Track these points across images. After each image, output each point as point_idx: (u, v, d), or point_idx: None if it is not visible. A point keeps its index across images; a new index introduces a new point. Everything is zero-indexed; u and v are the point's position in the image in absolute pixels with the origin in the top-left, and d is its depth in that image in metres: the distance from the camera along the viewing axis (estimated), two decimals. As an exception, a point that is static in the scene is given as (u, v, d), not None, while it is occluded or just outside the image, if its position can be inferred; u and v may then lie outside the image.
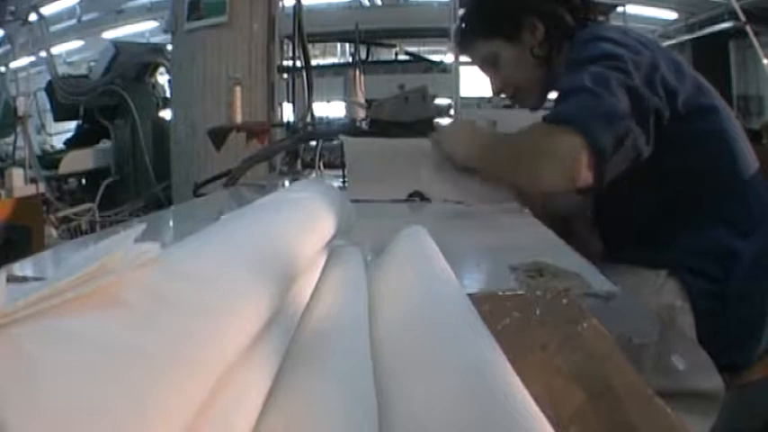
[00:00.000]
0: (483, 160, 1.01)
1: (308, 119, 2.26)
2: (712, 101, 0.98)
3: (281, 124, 2.54)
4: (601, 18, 1.13)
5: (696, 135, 0.95)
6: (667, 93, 0.92)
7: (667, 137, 0.92)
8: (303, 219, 0.41)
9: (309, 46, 2.54)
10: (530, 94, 1.15)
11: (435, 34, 7.27)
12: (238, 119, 2.24)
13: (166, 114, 4.07)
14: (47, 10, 5.23)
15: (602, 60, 0.91)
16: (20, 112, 4.13)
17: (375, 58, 7.66)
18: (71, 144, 4.55)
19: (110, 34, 8.00)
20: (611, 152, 0.86)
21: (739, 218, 0.94)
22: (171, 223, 0.99)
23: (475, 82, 4.53)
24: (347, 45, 8.20)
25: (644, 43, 0.96)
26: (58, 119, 4.74)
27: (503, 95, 1.20)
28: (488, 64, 1.14)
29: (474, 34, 1.15)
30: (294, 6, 2.78)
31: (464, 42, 1.18)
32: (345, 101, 2.24)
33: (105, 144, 4.29)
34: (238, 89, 2.26)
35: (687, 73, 0.98)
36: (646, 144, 0.89)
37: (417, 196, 1.10)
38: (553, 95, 1.15)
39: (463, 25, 1.19)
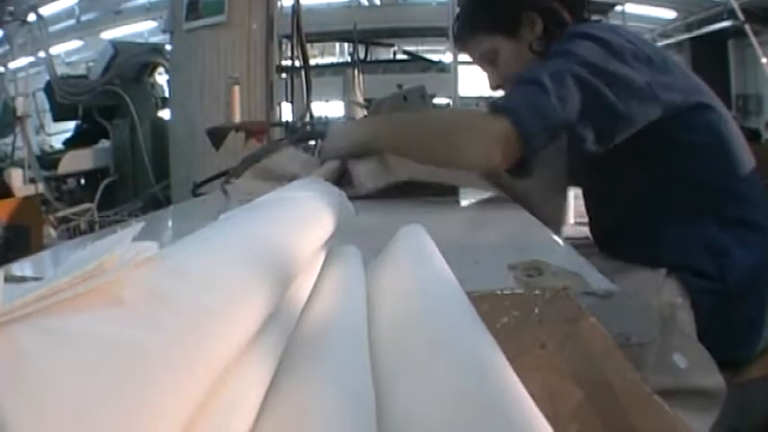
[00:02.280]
0: (393, 138, 1.00)
1: (307, 118, 2.27)
2: (706, 100, 0.98)
3: (280, 124, 2.54)
4: (596, 17, 1.13)
5: (689, 134, 0.95)
6: (656, 93, 0.92)
7: (658, 137, 0.93)
8: (301, 218, 0.41)
9: (308, 45, 2.54)
10: None
11: (434, 34, 7.29)
12: (237, 118, 2.24)
13: (165, 114, 4.08)
14: (45, 10, 5.23)
15: (572, 57, 0.93)
16: (19, 113, 4.13)
17: (374, 58, 7.68)
18: (70, 144, 4.55)
19: (108, 34, 8.00)
20: (538, 144, 0.89)
21: (734, 216, 0.94)
22: (170, 223, 0.99)
23: (473, 81, 4.54)
24: (346, 45, 8.22)
25: (634, 44, 0.97)
26: (57, 119, 4.74)
27: (501, 91, 1.20)
28: (486, 60, 1.15)
29: (472, 30, 1.16)
30: (293, 6, 2.78)
31: (462, 38, 1.18)
32: (344, 100, 2.24)
33: (104, 144, 4.30)
34: (237, 89, 2.27)
35: (681, 72, 0.98)
36: (595, 142, 0.92)
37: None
38: None
39: (460, 21, 1.20)
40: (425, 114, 1.08)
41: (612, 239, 1.05)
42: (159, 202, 3.68)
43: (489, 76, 1.17)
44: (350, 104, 2.22)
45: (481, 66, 1.18)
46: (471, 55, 1.18)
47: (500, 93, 1.22)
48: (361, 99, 2.26)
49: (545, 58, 0.98)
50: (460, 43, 1.20)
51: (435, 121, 1.01)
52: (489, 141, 0.89)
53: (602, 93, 0.89)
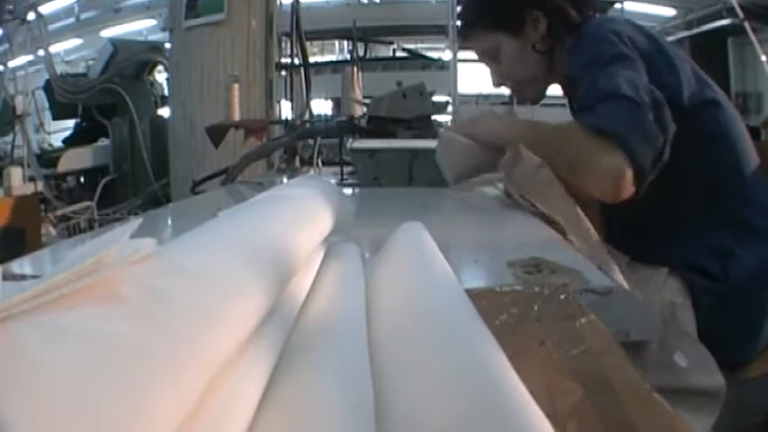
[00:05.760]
0: (524, 143, 0.94)
1: (307, 116, 2.26)
2: (714, 95, 0.98)
3: (280, 121, 2.54)
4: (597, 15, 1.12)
5: (698, 132, 0.94)
6: (671, 89, 0.91)
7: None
8: (300, 215, 0.41)
9: (307, 43, 2.54)
10: (530, 88, 1.14)
11: (433, 31, 7.28)
12: (236, 116, 2.24)
13: (165, 112, 4.08)
14: (45, 9, 5.22)
15: (619, 61, 0.90)
16: (18, 111, 4.13)
17: (373, 56, 7.67)
18: (70, 142, 4.56)
19: (108, 32, 7.99)
20: (650, 169, 0.85)
21: (739, 216, 0.94)
22: (169, 220, 0.99)
23: (473, 79, 4.53)
24: (345, 42, 8.21)
25: (647, 38, 0.96)
26: (56, 117, 4.74)
27: (504, 88, 1.19)
28: (489, 56, 1.13)
29: (475, 26, 1.14)
30: (292, 4, 2.78)
31: (465, 33, 1.17)
32: (343, 98, 2.24)
33: (103, 142, 4.30)
34: (236, 87, 2.26)
35: (690, 67, 0.98)
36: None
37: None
38: (551, 89, 1.14)
39: (463, 15, 1.18)
40: (544, 131, 1.01)
41: (615, 238, 1.04)
42: (159, 200, 3.68)
43: (492, 73, 1.15)
44: (349, 102, 2.22)
45: (484, 61, 1.16)
46: (473, 50, 1.17)
47: (503, 90, 1.21)
48: (360, 97, 2.26)
49: (585, 65, 0.94)
50: (463, 37, 1.18)
51: (553, 146, 0.92)
52: (610, 180, 0.85)
53: (658, 98, 0.86)
